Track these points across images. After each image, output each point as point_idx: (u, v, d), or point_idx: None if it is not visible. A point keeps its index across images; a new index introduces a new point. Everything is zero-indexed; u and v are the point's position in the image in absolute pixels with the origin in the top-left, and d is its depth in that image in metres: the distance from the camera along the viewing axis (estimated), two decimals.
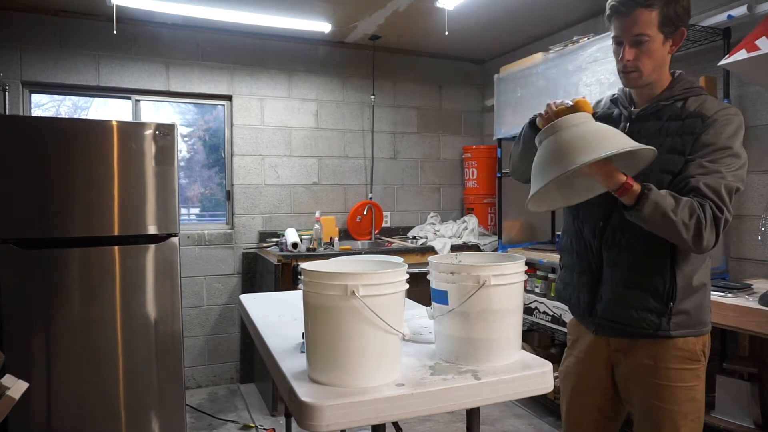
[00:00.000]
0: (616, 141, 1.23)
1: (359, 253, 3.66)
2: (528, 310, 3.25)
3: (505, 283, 1.31)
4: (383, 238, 4.26)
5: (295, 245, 3.49)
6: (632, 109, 1.47)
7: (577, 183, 1.43)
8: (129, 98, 3.70)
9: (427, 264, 1.41)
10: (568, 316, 2.97)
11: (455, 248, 3.77)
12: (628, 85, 1.45)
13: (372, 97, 4.30)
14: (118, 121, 2.63)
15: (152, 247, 2.67)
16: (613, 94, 1.57)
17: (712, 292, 2.13)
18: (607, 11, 1.40)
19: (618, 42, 1.40)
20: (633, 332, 1.42)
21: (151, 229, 2.67)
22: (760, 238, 2.50)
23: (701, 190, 1.26)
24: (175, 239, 2.72)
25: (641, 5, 1.33)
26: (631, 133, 1.38)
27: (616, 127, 1.41)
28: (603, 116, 1.54)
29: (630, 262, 1.41)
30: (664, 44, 1.36)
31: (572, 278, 1.57)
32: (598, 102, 1.63)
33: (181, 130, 3.85)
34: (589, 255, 1.50)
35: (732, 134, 1.32)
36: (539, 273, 3.27)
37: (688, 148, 1.33)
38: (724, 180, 1.27)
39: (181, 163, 3.87)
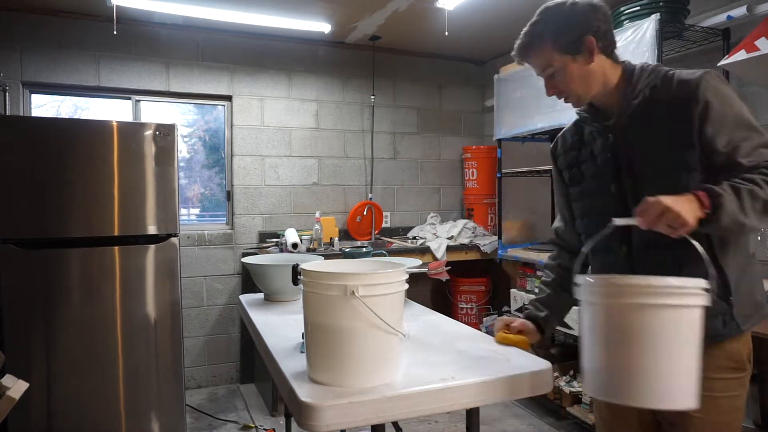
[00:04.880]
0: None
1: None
2: None
3: None
4: (383, 238, 4.26)
5: (295, 245, 3.49)
6: (610, 121, 1.34)
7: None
8: (129, 98, 3.70)
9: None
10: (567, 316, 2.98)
11: (454, 249, 3.77)
12: (577, 107, 1.40)
13: (372, 97, 4.30)
14: (118, 122, 2.63)
15: (152, 247, 2.67)
16: (577, 117, 1.47)
17: None
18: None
19: (539, 75, 1.37)
20: None
21: (151, 230, 2.67)
22: (759, 238, 2.50)
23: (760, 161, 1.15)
24: (175, 239, 2.72)
25: (533, 49, 1.32)
26: (624, 145, 1.31)
27: (595, 143, 1.37)
28: (571, 159, 1.47)
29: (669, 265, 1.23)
30: (577, 61, 1.29)
31: None
32: (556, 144, 1.55)
33: (181, 130, 3.85)
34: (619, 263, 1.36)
35: (733, 100, 1.21)
36: (539, 273, 3.27)
37: (695, 136, 1.20)
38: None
39: (181, 164, 3.87)
